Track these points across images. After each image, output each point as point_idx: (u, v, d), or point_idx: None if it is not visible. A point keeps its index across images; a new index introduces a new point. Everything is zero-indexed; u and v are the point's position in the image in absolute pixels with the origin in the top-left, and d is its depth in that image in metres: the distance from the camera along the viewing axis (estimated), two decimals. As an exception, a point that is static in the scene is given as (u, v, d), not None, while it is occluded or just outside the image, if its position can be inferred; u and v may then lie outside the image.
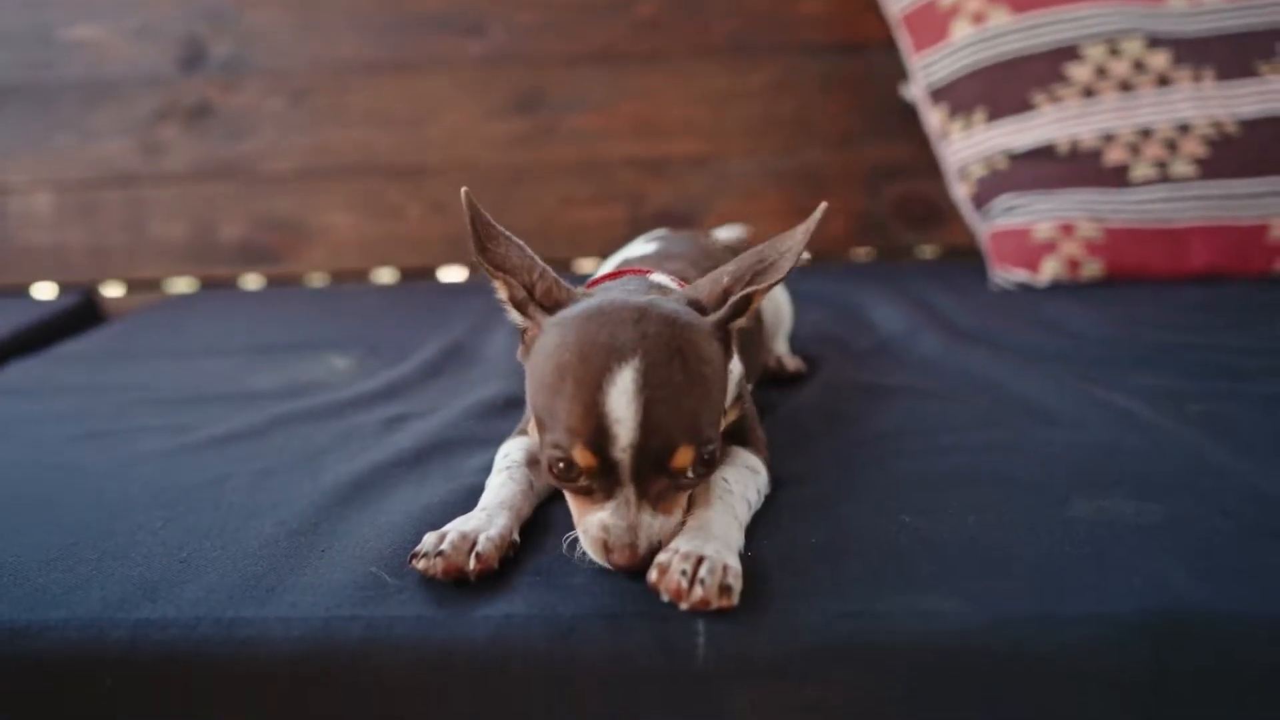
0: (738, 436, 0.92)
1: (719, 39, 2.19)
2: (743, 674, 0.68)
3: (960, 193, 1.98)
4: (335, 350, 1.59)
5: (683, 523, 0.77)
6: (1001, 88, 1.93)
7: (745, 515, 0.83)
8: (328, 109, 2.22)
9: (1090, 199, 1.81)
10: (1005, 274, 1.84)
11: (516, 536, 0.81)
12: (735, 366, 0.92)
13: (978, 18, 1.97)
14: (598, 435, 0.72)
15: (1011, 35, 1.94)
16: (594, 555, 0.75)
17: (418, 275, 2.31)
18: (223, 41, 2.21)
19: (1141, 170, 1.81)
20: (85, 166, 2.24)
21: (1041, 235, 1.81)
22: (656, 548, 0.74)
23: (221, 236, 2.27)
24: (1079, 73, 1.89)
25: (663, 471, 0.74)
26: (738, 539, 0.78)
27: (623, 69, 2.21)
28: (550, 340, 0.80)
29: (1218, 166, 1.79)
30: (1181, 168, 1.80)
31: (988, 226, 1.91)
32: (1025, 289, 1.80)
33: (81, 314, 2.12)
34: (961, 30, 1.97)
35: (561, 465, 0.75)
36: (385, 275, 2.32)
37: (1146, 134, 1.83)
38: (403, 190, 2.24)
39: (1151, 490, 0.87)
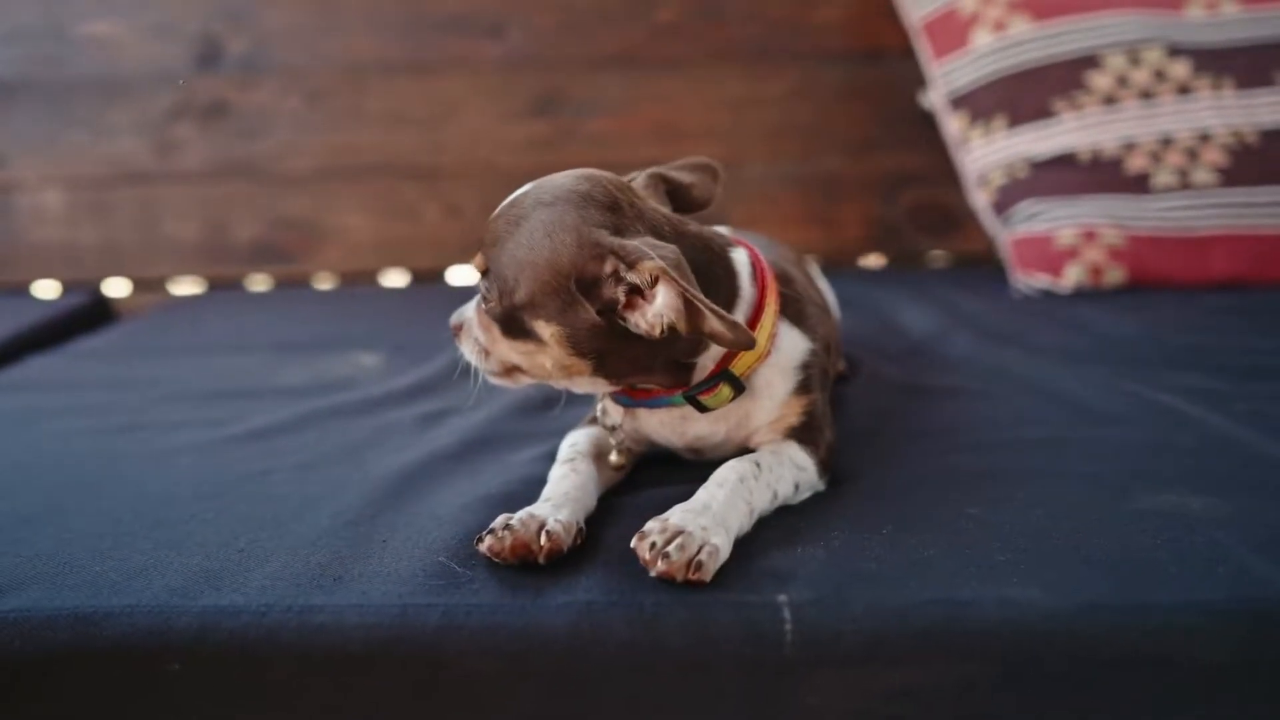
0: (800, 432, 0.92)
1: (738, 45, 2.20)
2: (830, 660, 0.67)
3: (980, 199, 1.99)
4: (359, 348, 1.58)
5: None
6: (1022, 95, 1.94)
7: (766, 503, 0.84)
8: (345, 109, 2.20)
9: (1112, 206, 1.82)
10: (1028, 279, 1.85)
11: (583, 525, 0.81)
12: (798, 347, 0.92)
13: (999, 26, 1.98)
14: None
15: (1032, 43, 1.95)
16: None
17: (432, 277, 2.30)
18: (240, 40, 2.20)
19: (1163, 178, 1.82)
20: (98, 164, 2.22)
21: (1064, 241, 1.82)
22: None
23: (235, 236, 2.25)
24: (1100, 81, 1.90)
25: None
26: (739, 522, 0.79)
27: (642, 73, 2.21)
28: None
29: (1239, 175, 1.81)
30: (1203, 176, 1.81)
31: (1009, 233, 1.92)
32: (1048, 295, 1.81)
33: (94, 312, 2.10)
34: (982, 38, 1.99)
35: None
36: (399, 276, 2.30)
37: (1167, 142, 1.85)
38: (419, 191, 2.23)
39: (1211, 485, 0.87)
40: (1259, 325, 1.47)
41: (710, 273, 0.86)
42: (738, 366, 0.88)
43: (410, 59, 2.18)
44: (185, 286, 2.30)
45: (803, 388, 0.92)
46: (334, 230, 2.23)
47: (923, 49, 2.07)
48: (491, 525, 0.78)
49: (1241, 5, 1.97)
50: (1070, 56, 1.93)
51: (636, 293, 0.79)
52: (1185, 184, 1.82)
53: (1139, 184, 1.83)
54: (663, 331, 0.78)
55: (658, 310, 0.78)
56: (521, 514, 0.78)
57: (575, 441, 0.95)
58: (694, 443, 0.96)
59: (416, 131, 2.20)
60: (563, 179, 0.89)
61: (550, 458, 1.02)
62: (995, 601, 0.68)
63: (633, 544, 0.74)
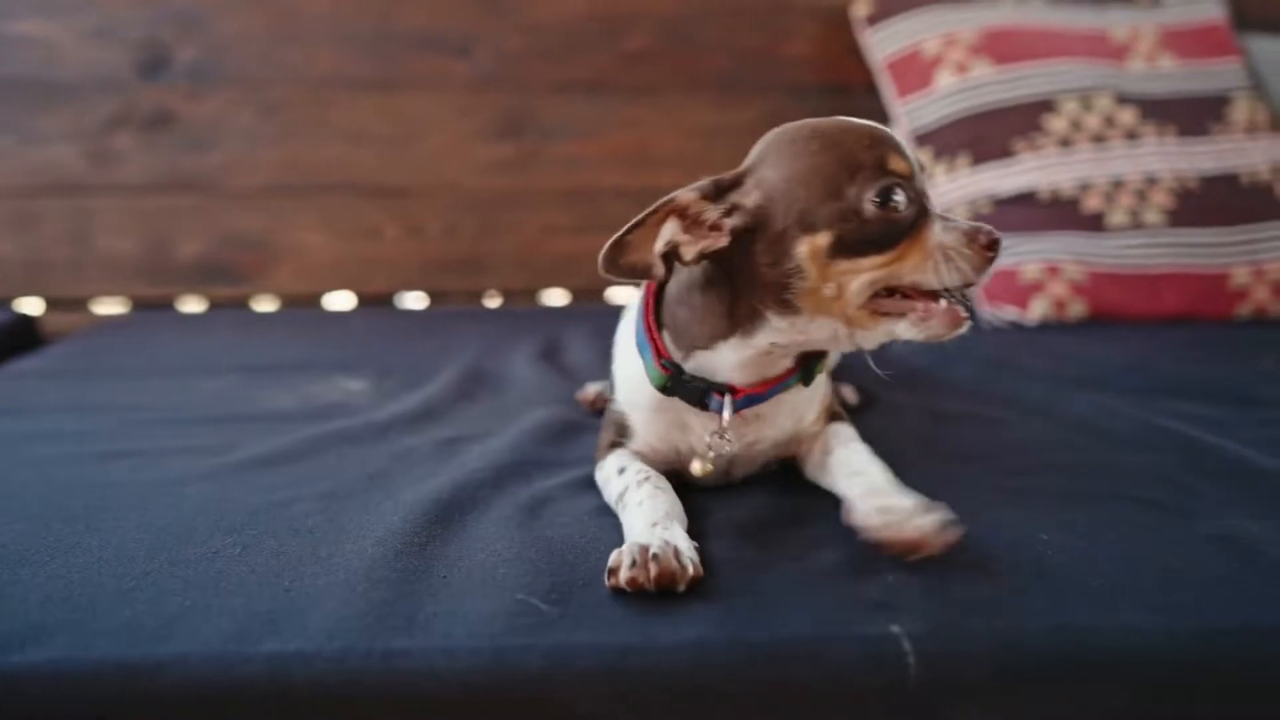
0: (835, 414, 1.00)
1: (708, 75, 2.22)
2: (956, 691, 0.66)
3: (945, 233, 2.05)
4: (336, 372, 1.50)
5: None
6: (984, 135, 2.02)
7: None
8: (303, 124, 2.11)
9: (1073, 243, 1.90)
10: (996, 311, 1.91)
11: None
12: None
13: (960, 68, 2.06)
14: (898, 145, 0.81)
15: (993, 86, 2.04)
16: (954, 276, 0.78)
17: (384, 301, 2.21)
18: (189, 47, 2.08)
19: (1117, 218, 1.92)
20: (25, 172, 2.06)
21: (1029, 276, 1.89)
22: None
23: (177, 253, 2.11)
24: (1056, 124, 2.00)
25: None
26: None
27: (611, 98, 2.20)
28: (793, 145, 0.83)
29: (1183, 217, 1.92)
30: (1152, 217, 1.92)
31: (975, 266, 1.98)
32: (1016, 326, 1.87)
33: (20, 332, 1.93)
34: (945, 79, 2.06)
35: (880, 195, 0.78)
36: (344, 300, 2.20)
37: (1119, 184, 1.95)
38: (381, 211, 2.15)
39: (1259, 510, 0.90)
40: (1223, 356, 1.55)
41: None
42: None
43: (375, 75, 2.11)
44: (112, 306, 2.14)
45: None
46: (288, 249, 2.13)
47: (887, 87, 2.14)
48: (623, 554, 0.73)
49: (1177, 60, 2.11)
50: (1028, 100, 2.02)
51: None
52: (1136, 224, 1.92)
53: (1095, 223, 1.92)
54: None
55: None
56: (658, 541, 0.73)
57: (624, 465, 0.91)
58: (749, 448, 0.93)
59: (379, 149, 2.13)
60: None
61: (580, 485, 0.99)
62: (1114, 628, 0.68)
63: (872, 525, 0.76)
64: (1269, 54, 2.16)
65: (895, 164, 0.80)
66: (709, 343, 0.88)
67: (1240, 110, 2.03)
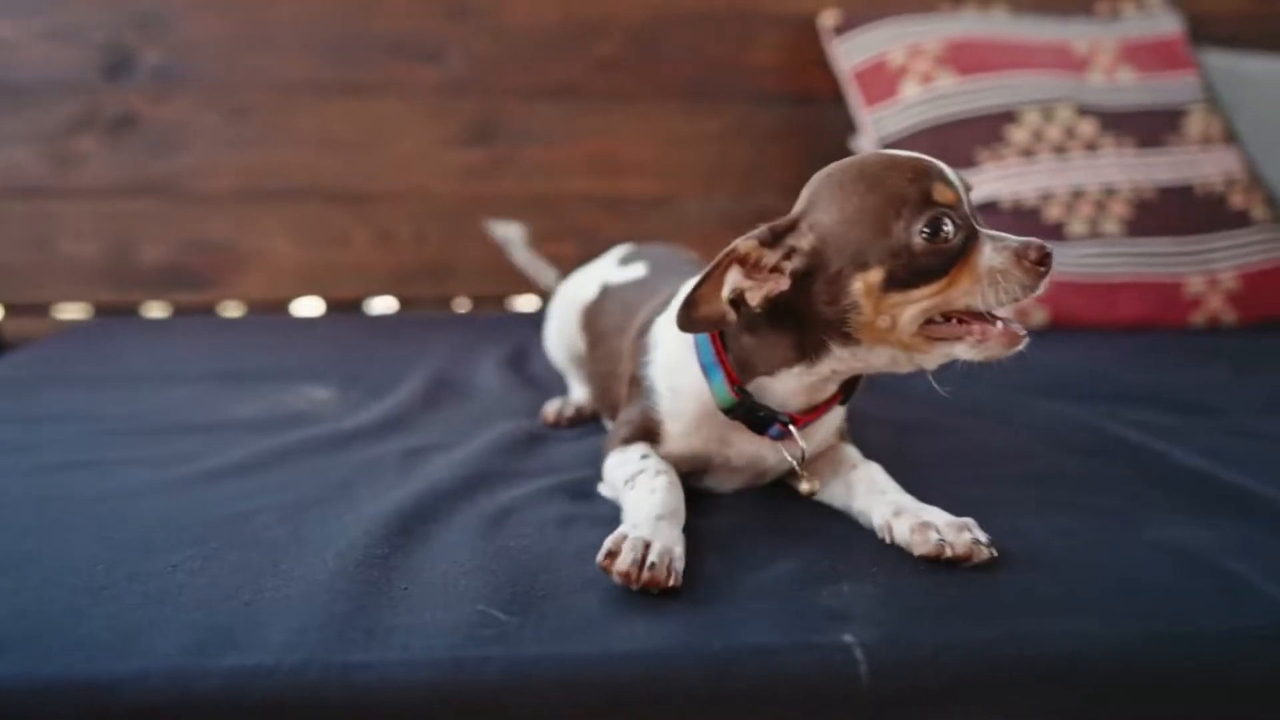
0: (846, 434, 1.04)
1: (677, 83, 2.23)
2: (907, 699, 0.67)
3: (910, 241, 2.08)
4: (302, 380, 1.49)
5: None
6: (948, 144, 2.05)
7: None
8: (270, 128, 2.10)
9: (1034, 251, 1.94)
10: (959, 319, 1.94)
11: None
12: None
13: (926, 79, 2.09)
14: (942, 175, 0.84)
15: (956, 97, 2.07)
16: (1004, 297, 0.81)
17: (352, 307, 2.20)
18: (154, 50, 2.07)
19: (1077, 227, 1.96)
20: (-16, 175, 2.03)
21: (992, 283, 1.92)
22: None
23: (141, 258, 2.09)
24: (1018, 135, 2.03)
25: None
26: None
27: (581, 105, 2.21)
28: (840, 187, 0.85)
29: (1140, 227, 1.96)
30: (1110, 226, 1.96)
31: (939, 274, 2.01)
32: (979, 333, 1.90)
33: (-23, 338, 1.90)
34: (911, 90, 2.09)
35: (928, 228, 0.81)
36: (311, 306, 2.19)
37: (1079, 194, 1.99)
38: (349, 217, 2.14)
39: (1205, 517, 0.92)
40: (1178, 363, 1.59)
41: None
42: None
43: (344, 79, 2.11)
44: (75, 312, 2.12)
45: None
46: (254, 254, 2.12)
47: (853, 96, 2.16)
48: (624, 543, 0.76)
49: (1136, 74, 2.15)
50: (991, 111, 2.05)
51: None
52: (1095, 233, 1.96)
53: (1056, 232, 1.96)
54: None
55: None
56: (659, 547, 0.76)
57: (648, 453, 0.94)
58: (780, 463, 0.97)
59: (348, 154, 2.12)
60: None
61: (545, 495, 1.00)
62: (1060, 636, 0.70)
63: (912, 539, 0.82)
64: (1223, 68, 2.21)
65: (940, 194, 0.83)
66: (773, 370, 0.91)
67: (1195, 123, 2.08)
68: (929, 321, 0.84)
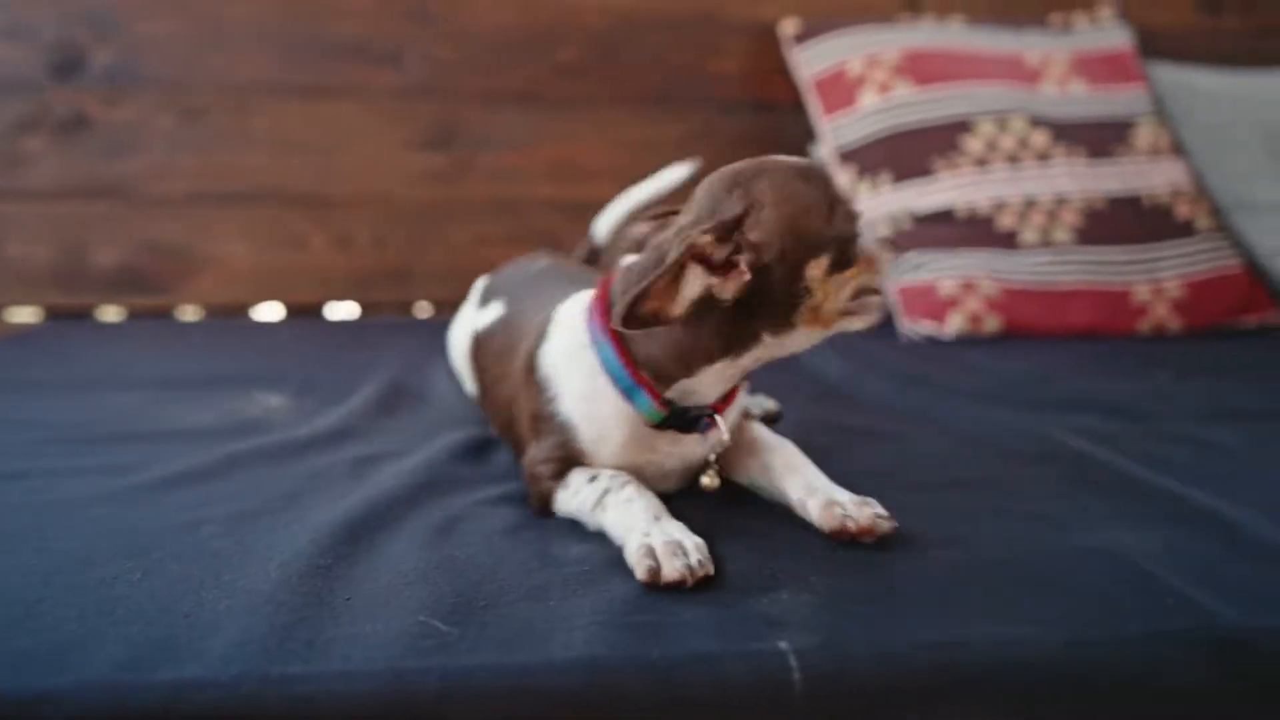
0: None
1: (639, 89, 2.24)
2: (839, 706, 0.68)
3: (867, 249, 2.10)
4: (256, 387, 1.48)
5: None
6: (905, 154, 2.08)
7: None
8: (226, 130, 2.08)
9: (988, 260, 1.97)
10: (914, 325, 1.97)
11: None
12: None
13: (883, 88, 2.12)
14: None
15: (914, 106, 2.10)
16: (868, 317, 0.93)
17: (311, 311, 2.19)
18: (105, 50, 2.04)
19: (1029, 236, 2.00)
20: (-72, 176, 1.99)
21: (946, 291, 1.95)
22: None
23: (93, 262, 2.06)
24: (973, 144, 2.07)
25: None
26: None
27: (542, 110, 2.21)
28: (784, 186, 0.90)
29: (1090, 236, 2.01)
30: (1062, 235, 2.00)
31: (896, 282, 2.04)
32: (933, 340, 1.93)
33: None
34: (869, 99, 2.12)
35: (853, 216, 0.91)
36: (271, 310, 2.17)
37: (1031, 203, 2.03)
38: (307, 221, 2.13)
39: (1133, 522, 0.95)
40: (1124, 370, 1.62)
41: None
42: None
43: (302, 82, 2.09)
44: (25, 316, 2.08)
45: None
46: (209, 258, 2.09)
47: (813, 105, 2.19)
48: (651, 553, 0.80)
49: (1087, 85, 2.20)
50: (947, 121, 2.09)
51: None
52: (1047, 242, 1.99)
53: (1009, 240, 2.00)
54: None
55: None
56: (689, 544, 0.81)
57: (593, 474, 0.94)
58: (698, 461, 1.00)
59: (306, 158, 2.11)
60: None
61: (494, 503, 1.00)
62: (991, 641, 0.71)
63: (820, 517, 0.88)
64: (1170, 81, 2.27)
65: (844, 189, 0.95)
66: (694, 369, 0.93)
67: (1144, 135, 2.13)
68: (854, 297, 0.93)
